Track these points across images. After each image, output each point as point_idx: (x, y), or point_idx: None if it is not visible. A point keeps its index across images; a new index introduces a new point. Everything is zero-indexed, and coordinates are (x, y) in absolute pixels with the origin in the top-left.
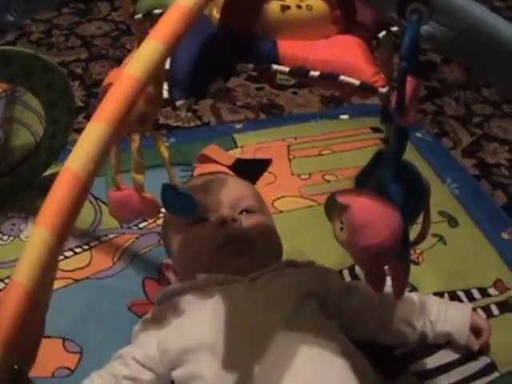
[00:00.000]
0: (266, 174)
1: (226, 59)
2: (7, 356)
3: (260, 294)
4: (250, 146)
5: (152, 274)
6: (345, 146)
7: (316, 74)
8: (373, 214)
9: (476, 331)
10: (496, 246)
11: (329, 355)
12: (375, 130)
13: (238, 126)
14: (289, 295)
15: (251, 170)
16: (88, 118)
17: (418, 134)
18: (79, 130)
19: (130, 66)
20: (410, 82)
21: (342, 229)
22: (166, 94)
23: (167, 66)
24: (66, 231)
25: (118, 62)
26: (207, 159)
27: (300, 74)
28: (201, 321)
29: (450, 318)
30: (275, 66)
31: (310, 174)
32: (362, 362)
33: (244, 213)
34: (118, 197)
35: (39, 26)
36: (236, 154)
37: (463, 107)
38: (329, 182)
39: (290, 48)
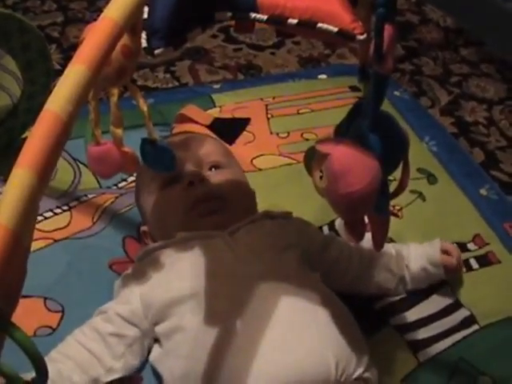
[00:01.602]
0: (244, 133)
1: (204, 7)
2: None
3: (239, 245)
4: (228, 105)
5: (132, 233)
6: (323, 104)
7: (294, 21)
8: (352, 161)
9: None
10: (474, 202)
11: (311, 305)
12: (353, 88)
13: (216, 87)
14: (268, 246)
15: (230, 129)
16: None
17: (396, 93)
18: None
19: (108, 10)
20: (387, 30)
21: (321, 177)
22: (144, 43)
23: (145, 15)
24: (48, 171)
25: None
26: (186, 119)
27: (278, 22)
28: (182, 274)
29: (420, 253)
30: (253, 14)
31: (288, 133)
32: (344, 311)
33: (212, 169)
34: (97, 151)
35: None
36: (214, 113)
37: (441, 67)
38: (307, 140)
39: None
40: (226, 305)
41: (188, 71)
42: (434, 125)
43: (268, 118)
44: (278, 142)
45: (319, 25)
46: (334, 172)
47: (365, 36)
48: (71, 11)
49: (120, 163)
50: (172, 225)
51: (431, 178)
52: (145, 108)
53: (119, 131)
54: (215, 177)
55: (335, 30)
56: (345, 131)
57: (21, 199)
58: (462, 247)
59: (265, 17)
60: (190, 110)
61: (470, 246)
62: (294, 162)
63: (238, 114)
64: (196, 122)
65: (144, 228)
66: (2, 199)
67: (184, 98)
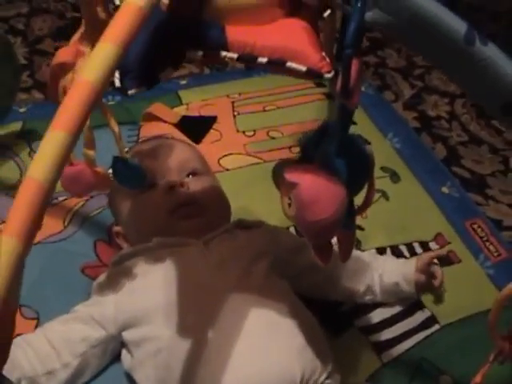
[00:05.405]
0: (211, 131)
1: (176, 46)
2: None
3: (213, 256)
4: (195, 103)
5: (103, 236)
6: (289, 101)
7: (264, 60)
8: (319, 191)
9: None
10: (436, 200)
11: (278, 316)
12: (319, 85)
13: (183, 82)
14: (241, 257)
15: (197, 127)
16: (32, 76)
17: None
18: (24, 90)
19: (85, 72)
20: (353, 65)
21: (289, 205)
22: (117, 83)
23: None
24: (32, 238)
25: (60, 16)
26: (153, 117)
27: (248, 60)
28: (155, 283)
29: (396, 268)
30: (224, 53)
31: (254, 131)
32: (310, 320)
33: (190, 176)
34: (71, 172)
35: None
36: (181, 111)
37: (404, 59)
38: (273, 138)
39: (238, 34)
40: (197, 316)
41: None
42: (397, 121)
43: (234, 116)
44: (244, 141)
45: (288, 64)
46: (302, 202)
47: (332, 74)
48: (36, 1)
49: (93, 183)
50: (150, 228)
51: (394, 177)
52: (116, 129)
53: (92, 153)
54: (194, 183)
55: (304, 69)
56: (312, 152)
57: (7, 267)
58: (424, 246)
59: (235, 55)
60: (157, 108)
61: (432, 245)
62: (261, 161)
63: (205, 112)
64: (163, 121)
65: (117, 229)
66: None
67: (151, 95)
